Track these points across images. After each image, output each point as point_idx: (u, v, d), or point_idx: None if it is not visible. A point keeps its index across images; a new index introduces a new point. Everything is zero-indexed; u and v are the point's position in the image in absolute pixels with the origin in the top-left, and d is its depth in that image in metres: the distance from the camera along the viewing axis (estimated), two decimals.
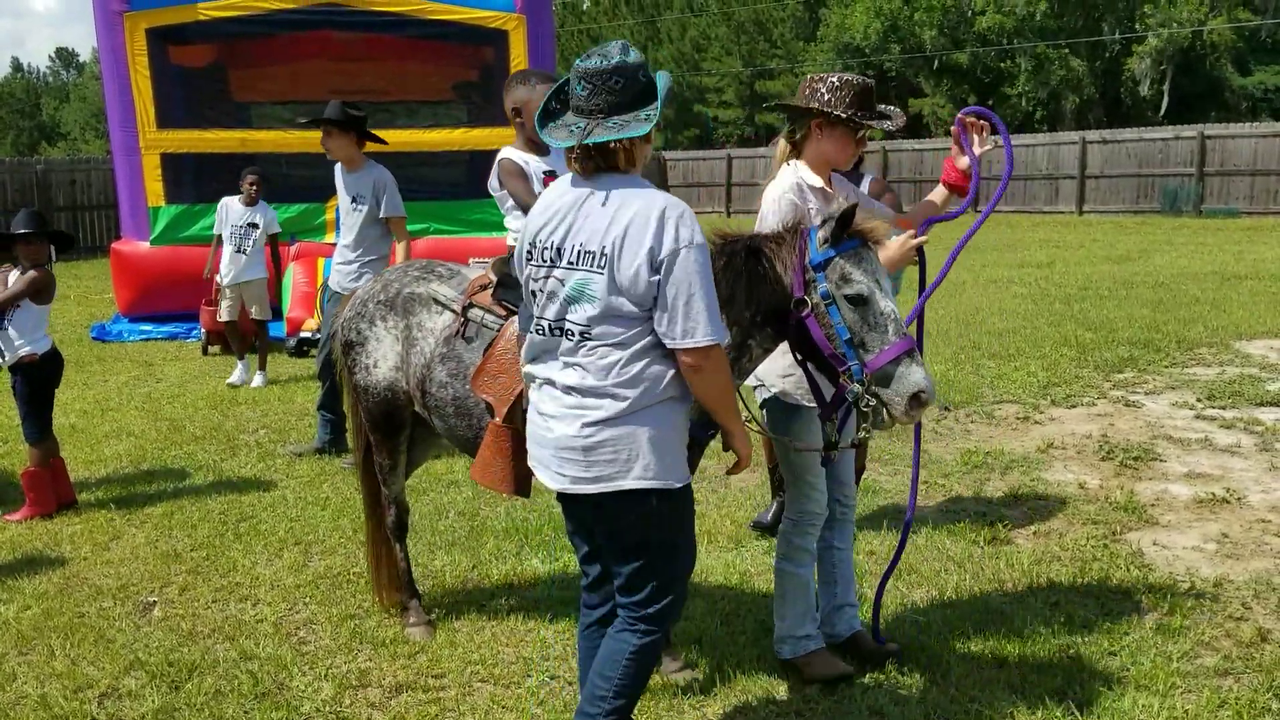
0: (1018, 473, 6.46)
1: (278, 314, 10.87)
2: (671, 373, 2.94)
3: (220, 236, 9.59)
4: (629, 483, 2.92)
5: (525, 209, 4.08)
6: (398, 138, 11.88)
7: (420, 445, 4.60)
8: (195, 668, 4.15)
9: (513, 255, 4.09)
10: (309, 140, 7.21)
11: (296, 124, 6.96)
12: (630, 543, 3.03)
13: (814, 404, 3.65)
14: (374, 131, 7.13)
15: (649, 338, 2.91)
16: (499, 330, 3.95)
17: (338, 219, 7.23)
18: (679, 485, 3.01)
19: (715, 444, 3.39)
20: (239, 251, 9.50)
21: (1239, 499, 5.91)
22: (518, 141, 4.22)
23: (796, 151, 3.90)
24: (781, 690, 3.89)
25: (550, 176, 4.17)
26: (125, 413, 8.53)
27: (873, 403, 3.21)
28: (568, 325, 2.95)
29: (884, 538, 5.38)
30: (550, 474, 3.06)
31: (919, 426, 3.89)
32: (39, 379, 6.06)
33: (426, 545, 5.41)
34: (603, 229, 2.88)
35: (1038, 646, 4.15)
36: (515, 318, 3.92)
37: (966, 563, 5.03)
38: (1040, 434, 7.33)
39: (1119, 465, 6.58)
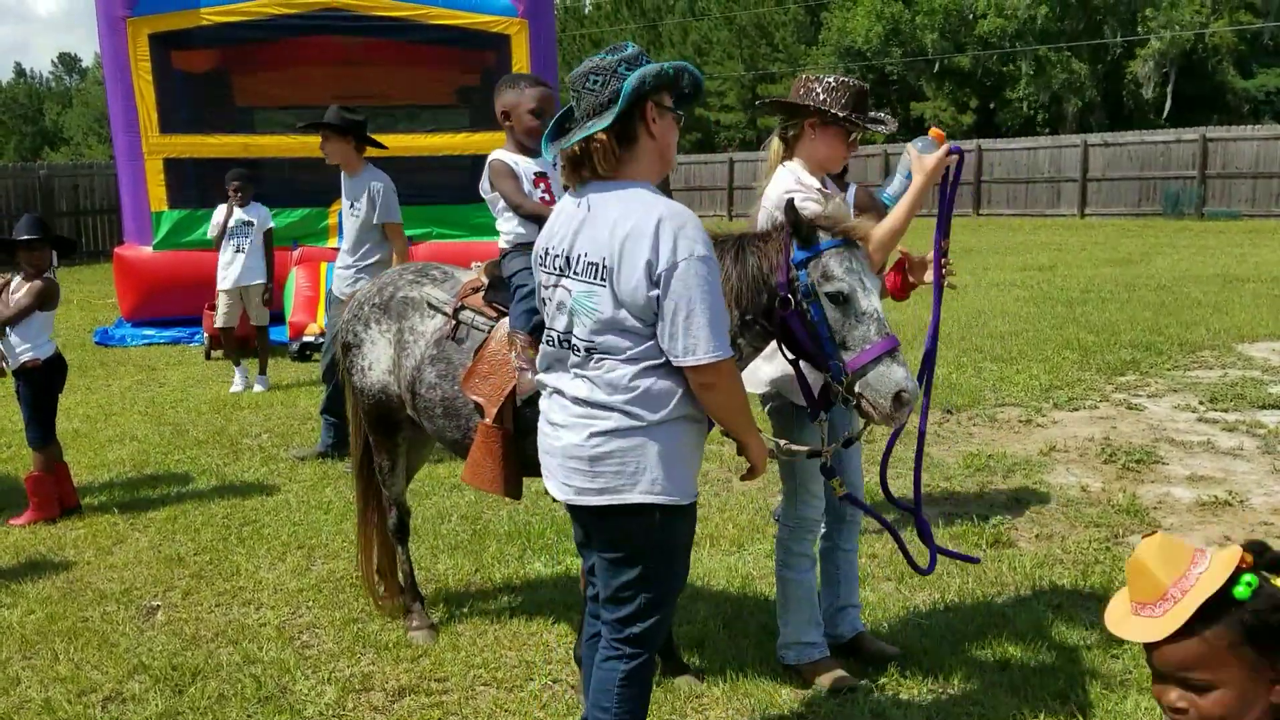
0: (1020, 475, 6.46)
1: (279, 318, 10.88)
2: (682, 389, 2.84)
3: (218, 242, 9.57)
4: (634, 496, 2.83)
5: (516, 210, 4.09)
6: (399, 142, 11.92)
7: (418, 448, 4.62)
8: (199, 672, 4.16)
9: (504, 258, 4.12)
10: (311, 145, 7.23)
11: (295, 129, 6.96)
12: (626, 555, 2.92)
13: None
14: (374, 136, 7.15)
15: (657, 352, 2.81)
16: (489, 332, 3.97)
17: (340, 223, 7.25)
18: (686, 503, 2.92)
19: (718, 447, 3.39)
20: (238, 251, 9.51)
21: (1241, 502, 5.90)
22: (508, 144, 4.23)
23: (789, 152, 3.90)
24: (784, 693, 3.89)
25: (541, 178, 4.18)
26: (128, 417, 8.54)
27: (854, 402, 3.17)
28: (574, 339, 2.88)
29: (885, 540, 5.37)
30: (556, 484, 2.99)
31: (924, 418, 3.82)
32: (43, 384, 6.08)
33: (429, 549, 5.42)
34: (604, 240, 2.79)
35: (1040, 649, 4.15)
36: (505, 319, 3.95)
37: (968, 565, 5.02)
38: (1042, 437, 7.33)
39: (1121, 468, 6.58)
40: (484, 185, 4.21)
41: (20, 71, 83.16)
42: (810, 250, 3.19)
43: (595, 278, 2.81)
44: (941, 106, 41.30)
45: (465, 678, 4.07)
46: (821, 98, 3.77)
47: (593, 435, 2.85)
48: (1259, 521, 5.61)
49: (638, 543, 2.91)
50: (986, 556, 5.15)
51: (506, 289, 3.99)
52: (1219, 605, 1.71)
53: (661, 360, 2.81)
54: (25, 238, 5.97)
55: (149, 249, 12.02)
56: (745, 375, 3.43)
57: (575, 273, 2.87)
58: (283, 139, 12.02)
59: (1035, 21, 39.79)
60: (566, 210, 2.98)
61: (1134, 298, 13.46)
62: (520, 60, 12.05)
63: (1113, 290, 14.21)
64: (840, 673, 3.93)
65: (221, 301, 9.61)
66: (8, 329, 5.97)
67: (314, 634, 4.52)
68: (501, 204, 4.14)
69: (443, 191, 11.83)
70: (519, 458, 3.88)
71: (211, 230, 9.64)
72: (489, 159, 4.19)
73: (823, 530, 4.09)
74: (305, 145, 7.53)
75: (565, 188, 4.21)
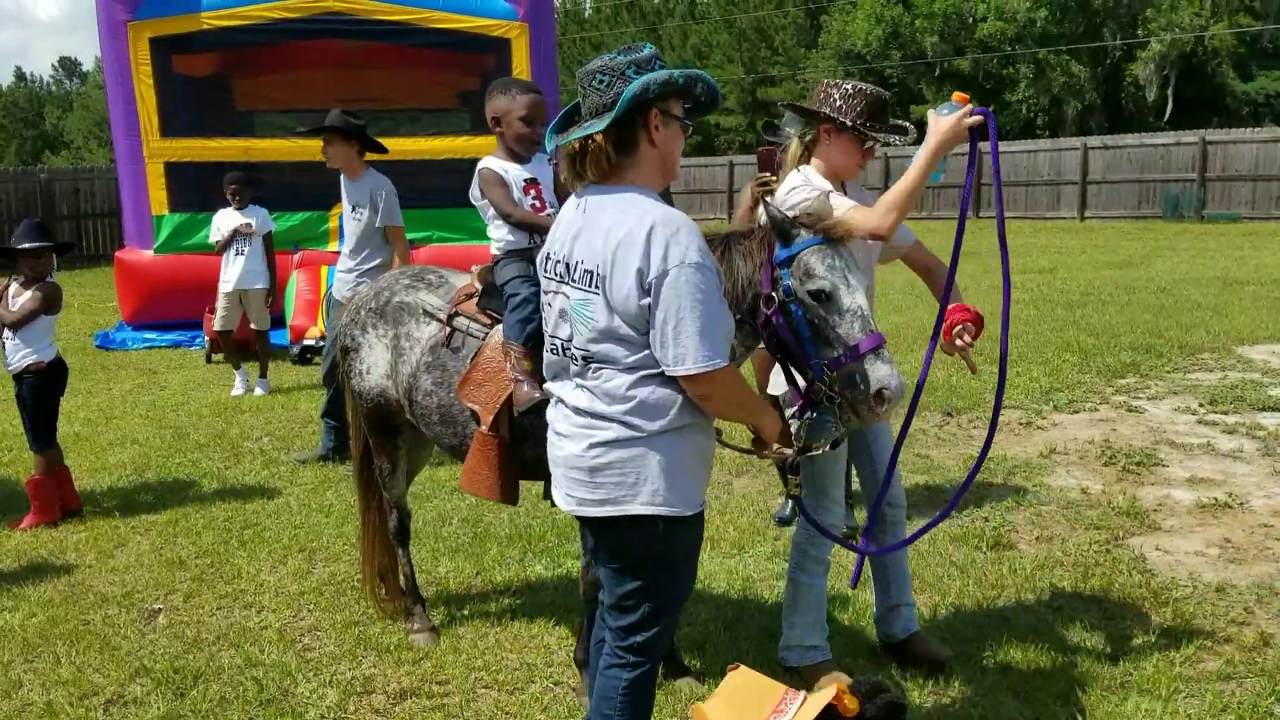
0: (1020, 478, 6.47)
1: (280, 322, 10.89)
2: (683, 398, 2.79)
3: (220, 247, 9.59)
4: (635, 508, 2.79)
5: (506, 218, 4.08)
6: (400, 145, 11.92)
7: (418, 450, 4.63)
8: (200, 675, 4.16)
9: (496, 265, 4.11)
10: (312, 148, 7.25)
11: (296, 133, 6.97)
12: (630, 564, 2.89)
13: None
14: (374, 139, 7.15)
15: (654, 361, 2.76)
16: (484, 339, 3.97)
17: (341, 226, 7.26)
18: (690, 513, 2.86)
19: (716, 448, 3.38)
20: (238, 254, 9.52)
21: (1241, 504, 5.91)
22: (498, 150, 4.21)
23: (807, 156, 3.91)
24: None
25: (531, 184, 4.17)
26: (129, 420, 8.55)
27: (837, 400, 3.13)
28: (572, 348, 2.85)
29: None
30: (561, 494, 2.96)
31: (996, 412, 3.79)
32: (44, 387, 6.08)
33: (430, 551, 5.42)
34: (598, 247, 2.75)
35: (1040, 651, 4.16)
36: (499, 326, 3.95)
37: (969, 568, 5.04)
38: (1042, 439, 7.33)
39: (1121, 470, 6.59)
40: (474, 193, 4.20)
41: (21, 75, 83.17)
42: (791, 248, 3.15)
43: (590, 286, 2.77)
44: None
45: (466, 680, 4.08)
46: (838, 104, 3.76)
47: (592, 446, 2.82)
48: (1259, 523, 5.61)
49: (639, 554, 2.87)
50: (987, 559, 5.16)
51: (500, 296, 3.99)
52: None
53: (659, 369, 2.76)
54: (27, 245, 5.97)
55: (150, 253, 12.03)
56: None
57: (573, 280, 2.83)
58: (283, 143, 12.04)
59: (1035, 24, 39.81)
60: (567, 215, 2.96)
61: (1134, 300, 13.47)
62: (520, 64, 12.07)
63: (1113, 293, 14.21)
64: (842, 676, 3.92)
65: (220, 304, 9.63)
66: (9, 333, 5.99)
67: (315, 637, 4.52)
68: (492, 211, 4.13)
69: (443, 195, 11.83)
70: (516, 464, 3.89)
71: (214, 235, 9.64)
72: (479, 166, 4.18)
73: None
74: (306, 149, 7.54)
75: (558, 188, 4.23)
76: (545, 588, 4.97)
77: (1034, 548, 5.35)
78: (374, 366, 4.30)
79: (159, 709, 3.91)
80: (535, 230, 4.04)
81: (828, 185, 3.79)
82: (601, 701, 2.98)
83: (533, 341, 3.73)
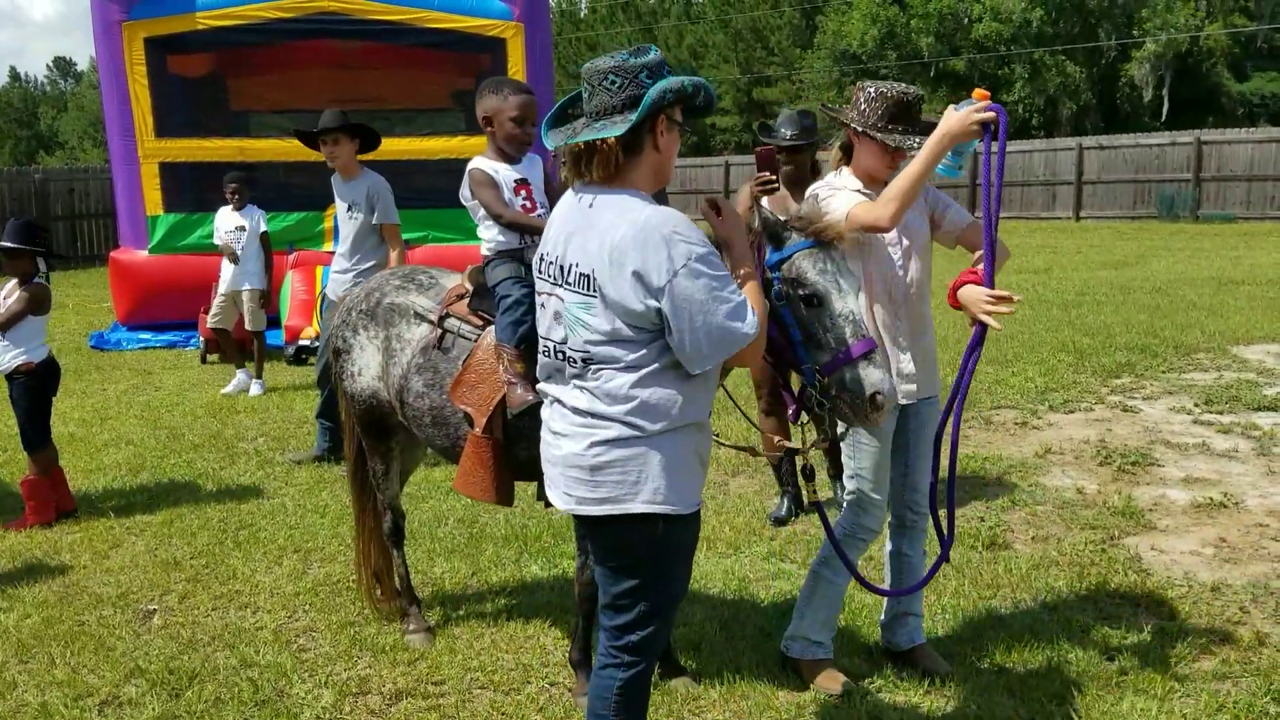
0: (1015, 478, 6.47)
1: (275, 322, 10.87)
2: (683, 398, 2.79)
3: (224, 248, 9.59)
4: (636, 506, 2.78)
5: (497, 219, 4.07)
6: (395, 145, 11.90)
7: (412, 451, 4.62)
8: (195, 675, 4.15)
9: (487, 265, 4.10)
10: (307, 149, 7.22)
11: (309, 132, 6.93)
12: (627, 563, 2.87)
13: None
14: (378, 134, 7.14)
15: (656, 360, 2.75)
16: (476, 340, 3.96)
17: (336, 227, 7.25)
18: (688, 512, 2.86)
19: (713, 448, 3.37)
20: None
21: (1236, 503, 5.92)
22: (488, 151, 4.19)
23: (846, 158, 3.91)
24: (780, 696, 3.90)
25: (522, 185, 4.16)
26: (124, 421, 8.53)
27: (829, 406, 3.12)
28: (569, 351, 2.83)
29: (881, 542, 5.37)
30: (558, 493, 2.93)
31: (956, 426, 3.71)
32: (36, 388, 6.06)
33: (426, 552, 5.41)
34: (594, 250, 2.74)
35: (1036, 651, 4.16)
36: (491, 328, 3.94)
37: (965, 568, 5.04)
38: (1038, 439, 7.34)
39: (1116, 470, 6.59)
40: (464, 193, 4.19)
41: (15, 75, 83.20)
42: (782, 252, 3.14)
43: (587, 289, 2.76)
44: (937, 110, 41.25)
45: (462, 681, 4.07)
46: (862, 108, 3.73)
47: (593, 445, 2.80)
48: (1254, 523, 5.62)
49: (639, 552, 2.87)
50: (983, 559, 5.16)
51: (491, 297, 3.98)
52: None
53: (659, 368, 2.76)
54: (6, 245, 5.92)
55: (144, 253, 12.02)
56: None
57: (568, 283, 2.82)
58: (278, 143, 12.00)
59: (1030, 25, 39.86)
60: (561, 216, 2.94)
61: (1129, 300, 13.49)
62: (516, 64, 12.06)
63: (1108, 293, 14.23)
64: (841, 677, 3.93)
65: (215, 304, 9.62)
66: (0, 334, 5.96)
67: (311, 637, 4.51)
68: (482, 212, 4.12)
69: (439, 195, 11.84)
70: (510, 465, 3.88)
71: (217, 236, 9.64)
72: (469, 167, 4.16)
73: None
74: (301, 149, 7.50)
75: (549, 188, 4.22)
76: (541, 588, 4.97)
77: (1030, 547, 5.36)
78: (366, 368, 4.29)
79: (154, 710, 3.90)
80: (526, 231, 4.03)
81: (854, 186, 3.77)
82: (596, 701, 2.96)
83: (525, 344, 3.72)
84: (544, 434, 3.00)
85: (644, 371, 2.76)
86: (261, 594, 4.96)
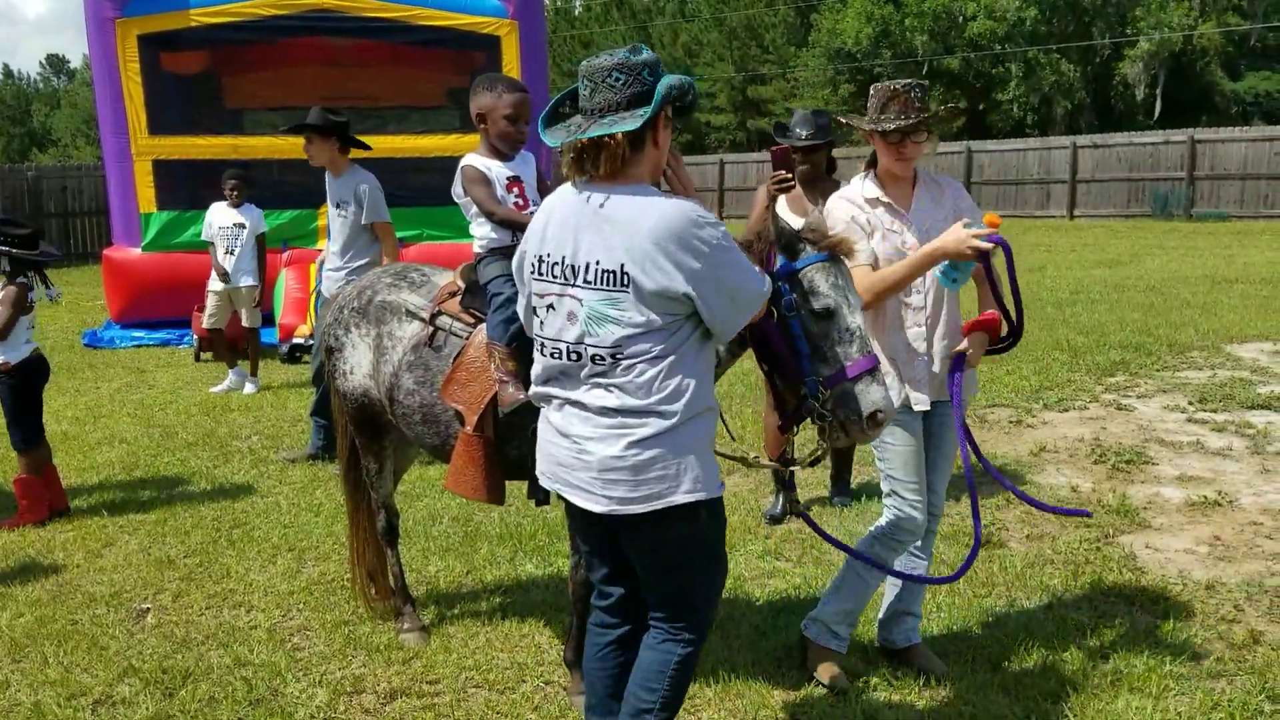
0: (1010, 476, 6.47)
1: (270, 320, 10.85)
2: (701, 383, 2.85)
3: (212, 244, 9.56)
4: (680, 497, 2.81)
5: (489, 217, 4.06)
6: (390, 143, 11.90)
7: (405, 450, 4.61)
8: (189, 674, 4.14)
9: (479, 262, 4.09)
10: (301, 146, 7.21)
11: (279, 130, 6.96)
12: (679, 558, 2.93)
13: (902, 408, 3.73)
14: (363, 137, 7.12)
15: (682, 346, 2.80)
16: (468, 338, 3.95)
17: (329, 225, 7.23)
18: (720, 495, 2.95)
19: None
20: (228, 252, 9.48)
21: (1230, 502, 5.93)
22: (481, 148, 4.18)
23: (873, 161, 3.92)
24: (776, 695, 3.90)
25: (514, 182, 4.14)
26: (117, 419, 8.51)
27: (829, 419, 3.13)
28: (591, 349, 2.80)
29: None
30: (591, 497, 2.87)
31: (967, 430, 3.78)
32: (20, 387, 5.97)
33: (421, 551, 5.40)
34: (619, 245, 2.73)
35: (1031, 649, 4.16)
36: (483, 325, 3.93)
37: (960, 565, 5.03)
38: (1032, 438, 7.34)
39: (1111, 468, 6.60)
40: (456, 190, 4.17)
41: (8, 73, 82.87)
42: (795, 263, 3.14)
43: (615, 285, 2.75)
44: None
45: (457, 680, 4.07)
46: (868, 109, 3.78)
47: (632, 444, 2.79)
48: (1248, 521, 5.63)
49: (685, 543, 2.92)
50: (978, 557, 5.15)
51: (483, 294, 3.97)
52: None
53: (681, 355, 2.81)
54: None
55: (138, 251, 11.99)
56: None
57: (587, 281, 2.80)
58: (272, 140, 12.00)
59: (1024, 23, 39.91)
60: (560, 216, 2.90)
61: (1123, 299, 13.51)
62: (510, 61, 12.05)
63: (1102, 291, 14.26)
64: (840, 671, 3.94)
65: (210, 302, 9.59)
66: None
67: (305, 636, 4.50)
68: (474, 209, 4.11)
69: (433, 193, 11.82)
70: (501, 463, 3.87)
71: (206, 233, 9.61)
72: (461, 163, 4.15)
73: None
74: (295, 146, 7.50)
75: (541, 185, 4.21)
76: (536, 586, 4.96)
77: (1024, 546, 5.36)
78: (357, 366, 4.28)
79: (147, 709, 3.89)
80: (518, 228, 4.01)
81: (876, 192, 3.80)
82: (648, 675, 2.98)
83: (517, 341, 3.70)
84: (555, 440, 2.96)
85: (670, 360, 2.80)
86: (255, 593, 4.95)
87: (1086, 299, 13.60)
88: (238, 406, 8.85)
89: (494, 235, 4.06)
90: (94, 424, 8.35)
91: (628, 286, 2.74)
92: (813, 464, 3.39)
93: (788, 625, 4.41)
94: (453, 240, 11.67)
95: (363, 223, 6.83)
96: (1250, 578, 4.89)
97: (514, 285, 3.79)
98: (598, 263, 2.78)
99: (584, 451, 2.86)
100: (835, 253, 3.16)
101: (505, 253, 4.01)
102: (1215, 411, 7.84)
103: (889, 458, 3.85)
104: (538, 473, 3.07)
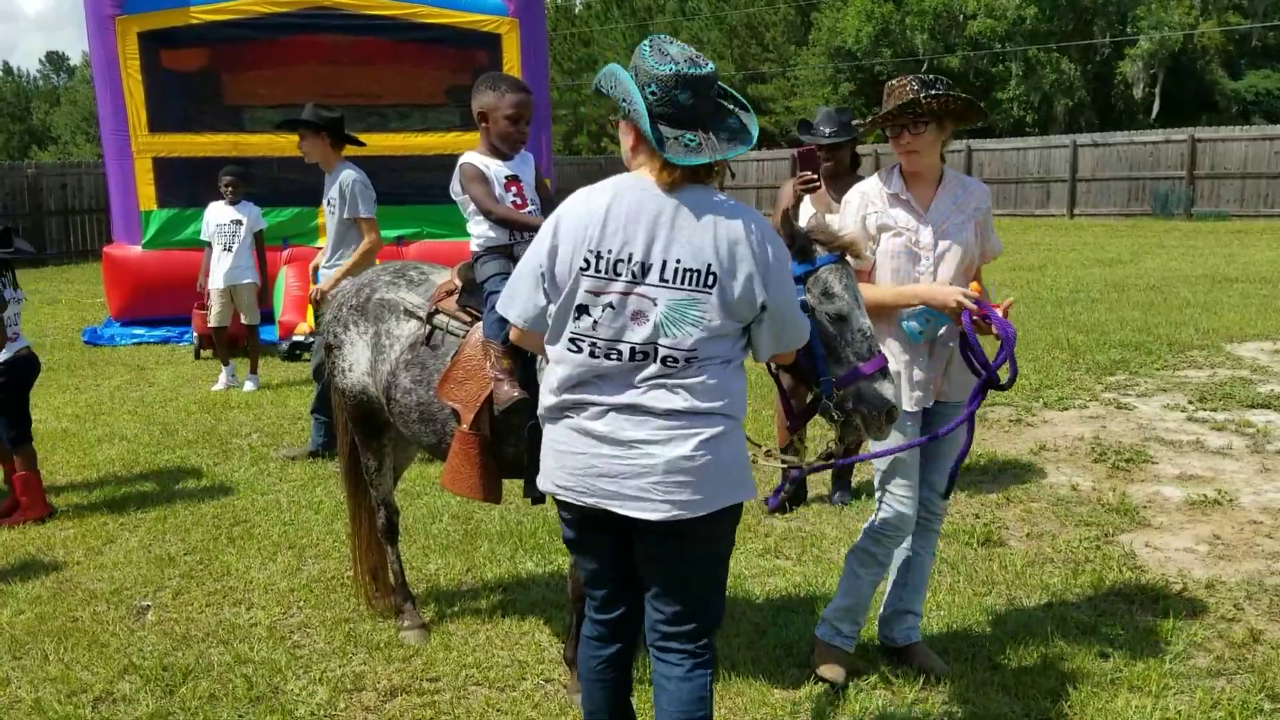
0: (1010, 475, 6.48)
1: (269, 318, 10.85)
2: (744, 388, 2.87)
3: (209, 244, 9.55)
4: (736, 496, 2.82)
5: (487, 215, 4.05)
6: (390, 141, 11.91)
7: (404, 447, 4.61)
8: (190, 672, 4.14)
9: (476, 261, 4.09)
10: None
11: (274, 127, 6.96)
12: (720, 557, 2.93)
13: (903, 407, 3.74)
14: (362, 135, 7.12)
15: (739, 353, 2.82)
16: (464, 336, 3.95)
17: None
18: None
19: None
20: (226, 250, 9.47)
21: (1230, 501, 5.93)
22: (480, 146, 4.17)
23: None
24: (775, 694, 3.90)
25: (513, 181, 4.14)
26: (117, 417, 8.51)
27: (841, 418, 3.17)
28: (665, 350, 2.70)
29: None
30: (648, 505, 2.73)
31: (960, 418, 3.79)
32: (12, 384, 5.96)
33: (421, 549, 5.41)
34: (706, 246, 2.67)
35: (1031, 648, 4.16)
36: (480, 324, 3.92)
37: (960, 565, 5.04)
38: (1032, 436, 7.35)
39: (1111, 467, 6.60)
40: (454, 187, 4.17)
41: (8, 70, 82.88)
42: (808, 265, 3.17)
43: (699, 285, 2.68)
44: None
45: (457, 677, 4.07)
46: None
47: (700, 445, 2.73)
48: (1248, 520, 5.63)
49: (723, 546, 2.93)
50: (977, 555, 5.17)
51: (480, 293, 3.97)
52: None
53: (738, 361, 2.83)
54: None
55: (138, 248, 11.99)
56: None
57: (664, 280, 2.69)
58: (272, 138, 11.95)
59: (1024, 22, 39.91)
60: (622, 210, 2.74)
61: (1123, 298, 13.51)
62: (511, 59, 12.04)
63: (1102, 290, 14.26)
64: (839, 669, 3.94)
65: (215, 301, 9.55)
66: None
67: (305, 634, 4.51)
68: (472, 207, 4.10)
69: (433, 191, 11.83)
70: (498, 462, 3.87)
71: (205, 232, 9.60)
72: (460, 161, 4.14)
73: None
74: (295, 144, 7.50)
75: (538, 185, 4.21)
76: (536, 584, 4.96)
77: (1024, 544, 5.36)
78: (356, 364, 4.28)
79: (148, 706, 3.89)
80: (516, 227, 4.02)
81: (895, 188, 3.80)
82: (691, 706, 2.87)
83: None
84: (596, 450, 2.78)
85: (734, 364, 2.82)
86: (256, 590, 4.95)
87: (1086, 298, 13.60)
88: (238, 404, 8.85)
89: (491, 234, 4.06)
90: (94, 421, 8.36)
91: (712, 288, 2.69)
92: (827, 465, 3.41)
93: (787, 623, 4.42)
94: (453, 238, 11.67)
95: (344, 216, 6.81)
96: (1250, 576, 4.89)
97: None
98: (680, 262, 2.69)
99: (646, 455, 2.73)
100: (848, 253, 3.22)
101: (502, 251, 4.01)
102: (1215, 410, 7.85)
103: (887, 463, 3.85)
104: (557, 487, 2.89)
